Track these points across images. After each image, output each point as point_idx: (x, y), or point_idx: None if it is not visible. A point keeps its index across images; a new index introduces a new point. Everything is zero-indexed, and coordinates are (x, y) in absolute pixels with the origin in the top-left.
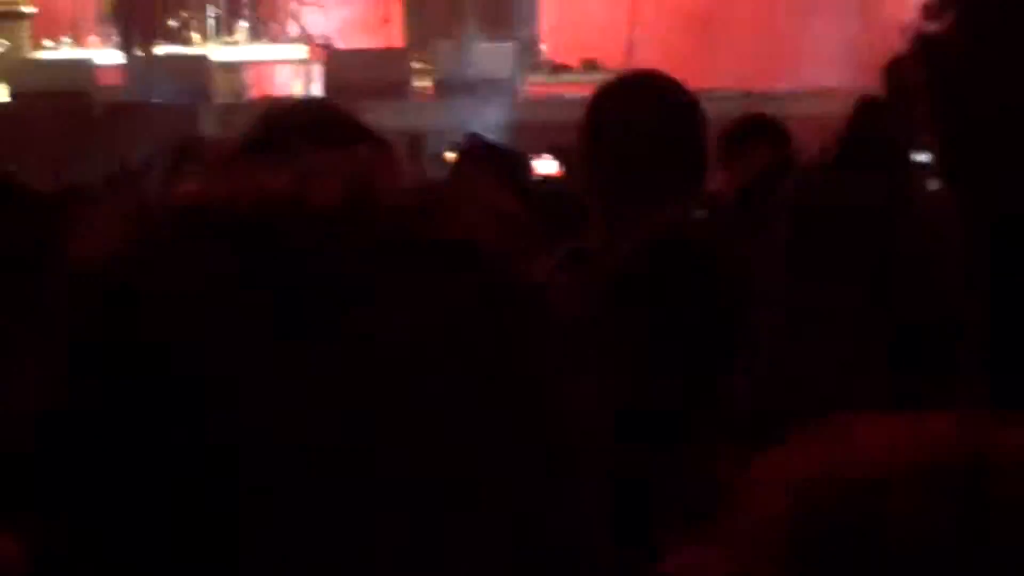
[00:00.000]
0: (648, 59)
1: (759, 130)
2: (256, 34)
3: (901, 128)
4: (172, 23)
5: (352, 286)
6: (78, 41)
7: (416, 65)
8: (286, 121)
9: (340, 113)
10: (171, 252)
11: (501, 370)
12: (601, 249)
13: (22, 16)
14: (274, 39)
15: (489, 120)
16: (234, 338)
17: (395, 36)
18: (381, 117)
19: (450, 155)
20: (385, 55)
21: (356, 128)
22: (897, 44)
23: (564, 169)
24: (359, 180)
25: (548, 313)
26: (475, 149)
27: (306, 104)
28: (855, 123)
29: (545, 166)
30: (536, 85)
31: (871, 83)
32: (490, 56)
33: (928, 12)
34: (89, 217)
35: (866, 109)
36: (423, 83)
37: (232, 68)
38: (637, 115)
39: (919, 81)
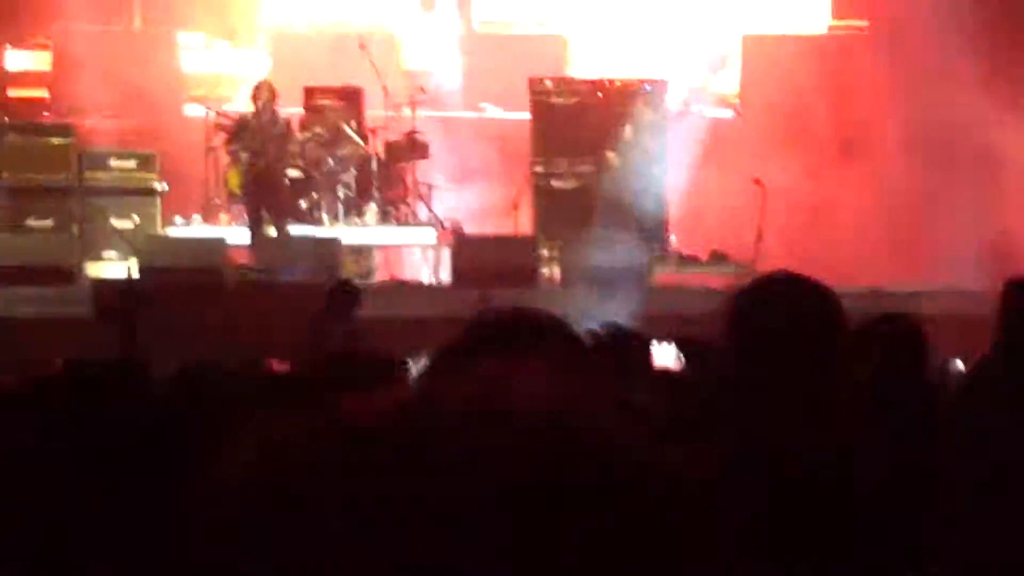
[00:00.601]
0: (775, 253)
1: (892, 326)
2: (385, 216)
3: None
4: (302, 203)
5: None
6: (208, 219)
7: (544, 252)
8: (490, 329)
9: (543, 320)
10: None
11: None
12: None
13: (153, 192)
14: (403, 222)
15: (616, 310)
16: None
17: (524, 222)
18: (508, 303)
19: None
20: (513, 241)
21: (558, 334)
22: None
23: (686, 360)
24: (496, 393)
25: (687, 505)
26: (611, 338)
27: (513, 313)
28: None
29: (666, 356)
30: (664, 275)
31: (997, 283)
32: (618, 246)
33: None
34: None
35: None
36: (551, 270)
37: (361, 250)
38: (778, 318)
39: None
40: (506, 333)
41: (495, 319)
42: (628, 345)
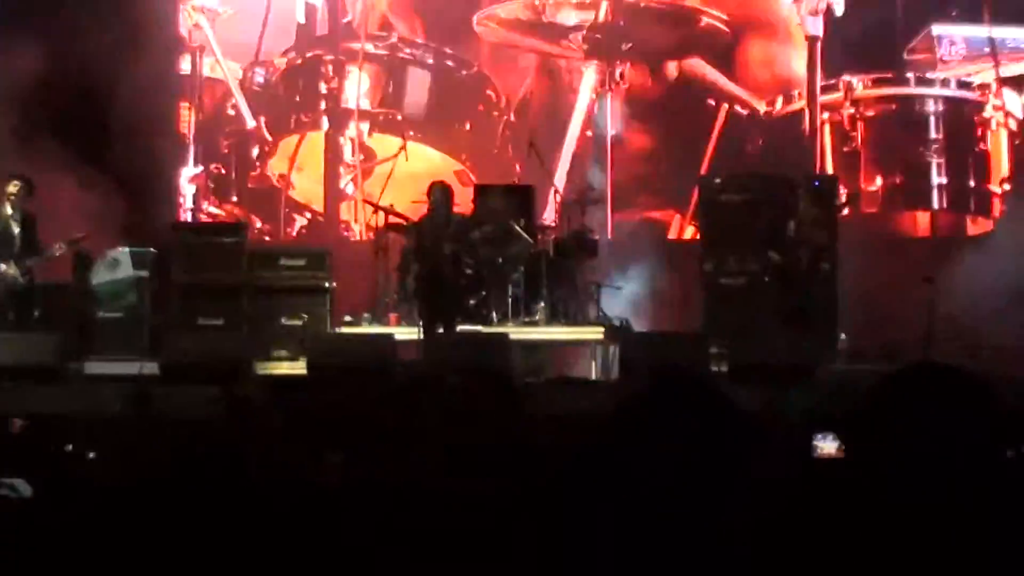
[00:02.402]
0: (947, 351)
1: None
2: (554, 314)
3: None
4: (472, 301)
5: None
6: (378, 317)
7: (713, 350)
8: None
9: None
10: None
11: None
12: None
13: (323, 291)
14: (572, 319)
15: (784, 406)
16: None
17: (693, 319)
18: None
19: None
20: (683, 338)
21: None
22: None
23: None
24: None
25: None
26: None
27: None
28: None
29: (828, 445)
30: (833, 372)
31: None
32: (785, 343)
33: None
34: None
35: None
36: (719, 367)
37: (530, 347)
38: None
39: None
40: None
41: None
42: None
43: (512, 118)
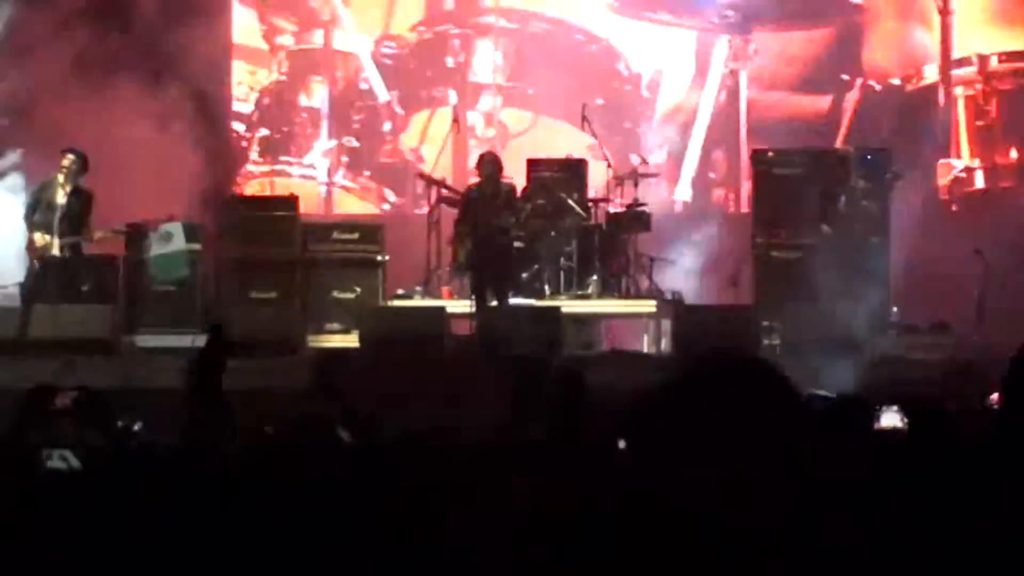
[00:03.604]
0: (996, 322)
1: None
2: (607, 288)
3: None
4: (524, 275)
5: None
6: (430, 290)
7: (765, 323)
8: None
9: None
10: None
11: None
12: None
13: (375, 264)
14: (624, 293)
15: (838, 379)
16: None
17: (746, 292)
18: None
19: None
20: (735, 312)
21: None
22: None
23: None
24: None
25: None
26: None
27: (735, 358)
28: None
29: (890, 419)
30: (885, 345)
31: None
32: (840, 317)
33: None
34: None
35: None
36: (772, 341)
37: (583, 321)
38: None
39: None
40: (726, 377)
41: (719, 361)
42: (852, 408)
43: (645, 93)
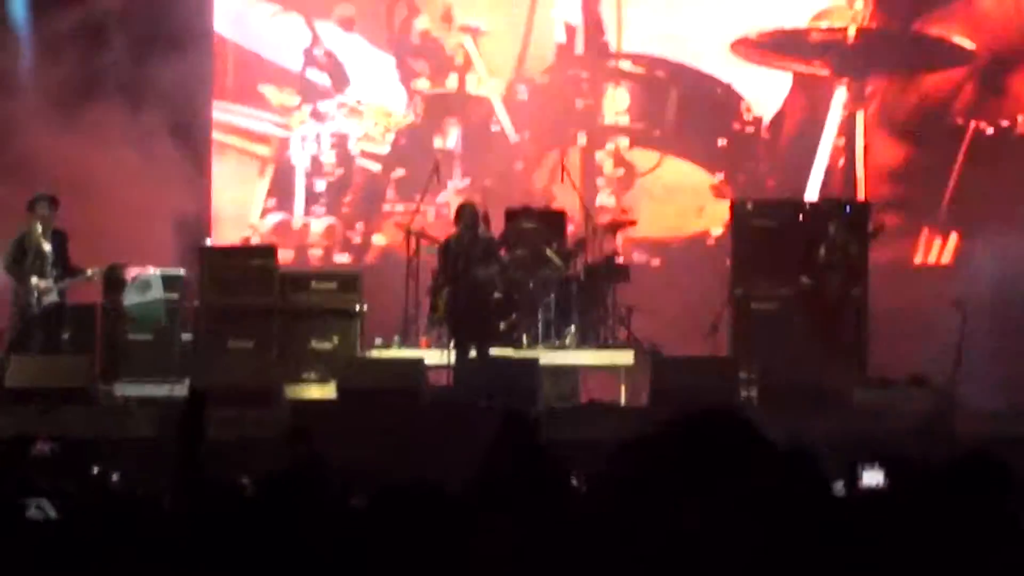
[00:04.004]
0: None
1: None
2: (585, 338)
3: None
4: (502, 325)
5: None
6: (408, 340)
7: (743, 374)
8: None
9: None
10: None
11: None
12: None
13: (353, 315)
14: (603, 344)
15: (814, 432)
16: None
17: (721, 344)
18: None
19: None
20: (713, 363)
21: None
22: None
23: (891, 480)
24: None
25: None
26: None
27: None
28: None
29: (872, 477)
30: (863, 398)
31: None
32: (818, 369)
33: None
34: None
35: None
36: (749, 392)
37: (560, 372)
38: None
39: None
40: (700, 432)
41: (693, 418)
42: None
43: (766, 134)
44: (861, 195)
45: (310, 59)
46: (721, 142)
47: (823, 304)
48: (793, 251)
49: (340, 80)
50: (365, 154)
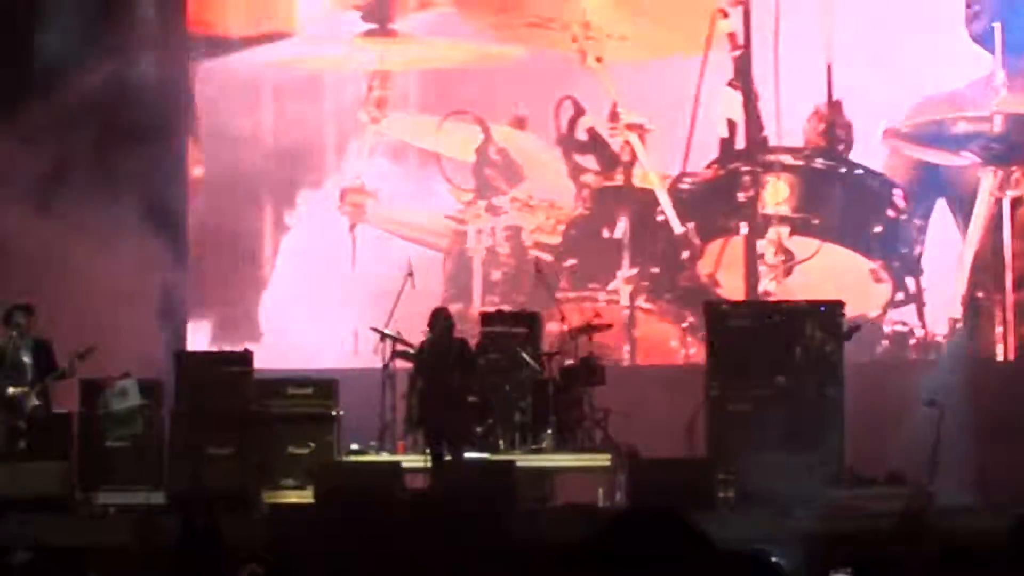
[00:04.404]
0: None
1: None
2: (561, 441)
3: None
4: (478, 429)
5: None
6: (385, 445)
7: (720, 476)
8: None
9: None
10: None
11: None
12: None
13: (330, 419)
14: (579, 446)
15: (790, 532)
16: None
17: (699, 445)
18: None
19: None
20: (690, 464)
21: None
22: None
23: None
24: None
25: None
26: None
27: (654, 518)
28: None
29: None
30: (840, 497)
31: None
32: (794, 469)
33: None
34: None
35: None
36: (726, 493)
37: (537, 475)
38: None
39: None
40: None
41: (638, 520)
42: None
43: (918, 221)
44: (1008, 280)
45: (483, 157)
46: (876, 229)
47: (800, 404)
48: (769, 352)
49: (512, 176)
50: (538, 244)
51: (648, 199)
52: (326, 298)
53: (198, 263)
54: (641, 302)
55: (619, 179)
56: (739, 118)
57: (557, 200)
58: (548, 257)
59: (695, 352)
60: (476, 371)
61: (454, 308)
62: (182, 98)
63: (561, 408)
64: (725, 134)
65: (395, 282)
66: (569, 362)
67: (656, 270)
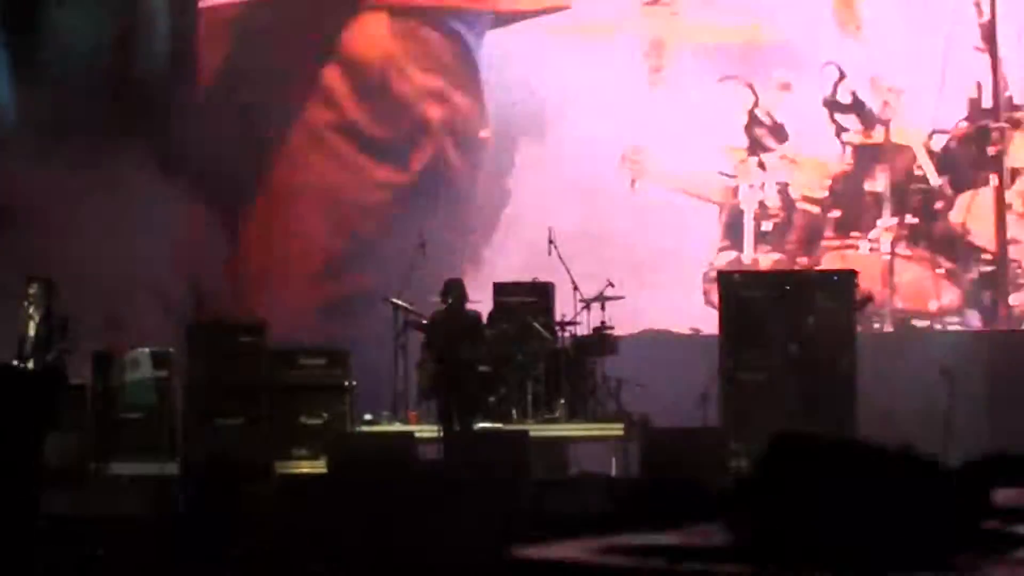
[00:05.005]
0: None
1: None
2: (574, 411)
3: None
4: (491, 399)
5: None
6: (398, 415)
7: (733, 446)
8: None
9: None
10: None
11: None
12: None
13: (343, 389)
14: (592, 416)
15: None
16: None
17: (713, 415)
18: None
19: None
20: (703, 434)
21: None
22: None
23: None
24: None
25: None
26: None
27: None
28: None
29: None
30: None
31: None
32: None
33: None
34: None
35: None
36: (739, 463)
37: (550, 444)
38: None
39: None
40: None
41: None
42: None
43: None
44: None
45: (753, 118)
46: None
47: (812, 373)
48: (781, 321)
49: (780, 135)
50: (805, 198)
51: (906, 154)
52: None
53: None
54: (901, 249)
55: (878, 136)
56: (986, 80)
57: (821, 156)
58: (815, 209)
59: (951, 300)
60: (487, 341)
61: (727, 257)
62: None
63: (574, 378)
64: (974, 94)
65: None
66: (582, 332)
67: (915, 220)
